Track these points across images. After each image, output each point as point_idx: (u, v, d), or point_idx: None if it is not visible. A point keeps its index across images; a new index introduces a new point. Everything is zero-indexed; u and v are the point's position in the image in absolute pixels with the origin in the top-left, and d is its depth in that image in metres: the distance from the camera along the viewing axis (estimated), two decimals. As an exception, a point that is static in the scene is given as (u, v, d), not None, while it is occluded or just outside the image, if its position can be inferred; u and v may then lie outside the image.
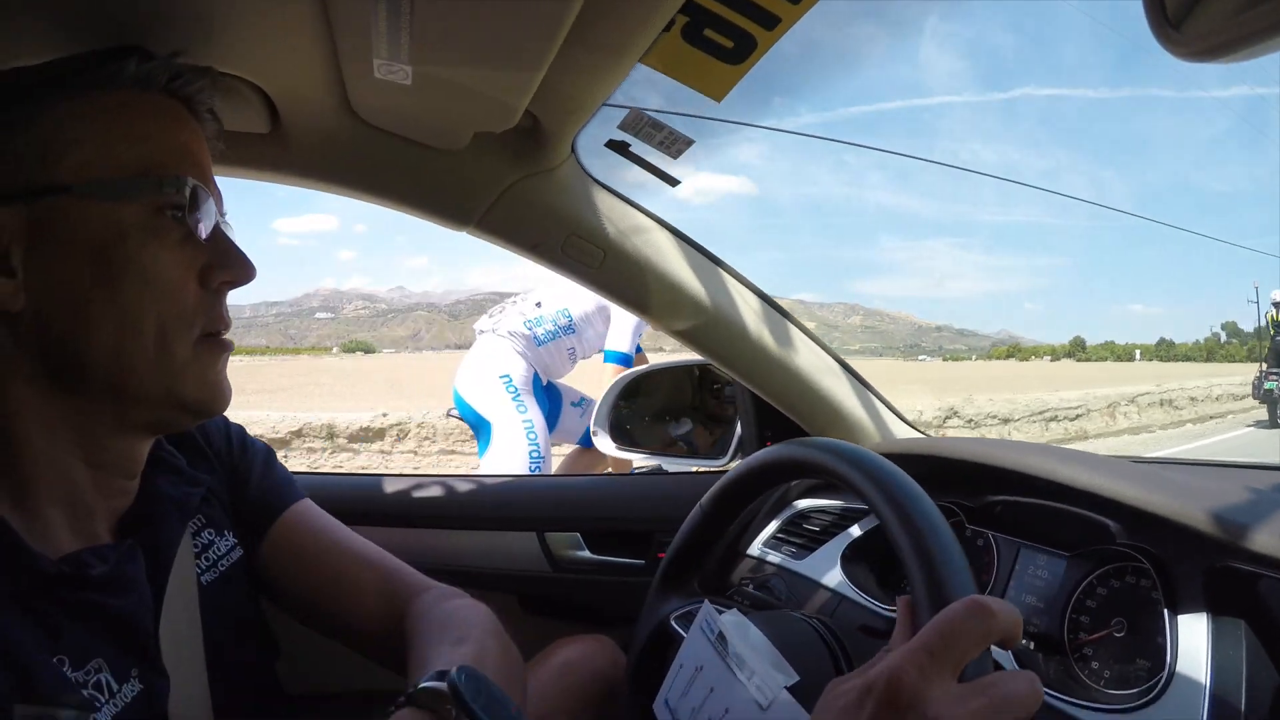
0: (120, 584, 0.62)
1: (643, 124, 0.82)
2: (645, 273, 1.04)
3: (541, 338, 2.71)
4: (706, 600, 0.81)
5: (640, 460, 1.61)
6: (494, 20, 0.63)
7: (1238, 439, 10.93)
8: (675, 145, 0.83)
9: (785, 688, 0.64)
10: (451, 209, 0.97)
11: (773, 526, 1.16)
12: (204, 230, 0.63)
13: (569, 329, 2.75)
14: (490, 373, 2.65)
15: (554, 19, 0.60)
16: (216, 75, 0.71)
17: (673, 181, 0.90)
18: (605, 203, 1.00)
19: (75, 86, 0.61)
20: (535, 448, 2.50)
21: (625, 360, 2.72)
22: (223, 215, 0.66)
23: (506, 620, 1.27)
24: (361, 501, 1.30)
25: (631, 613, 1.26)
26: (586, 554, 1.30)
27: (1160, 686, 0.65)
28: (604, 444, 1.45)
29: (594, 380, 2.89)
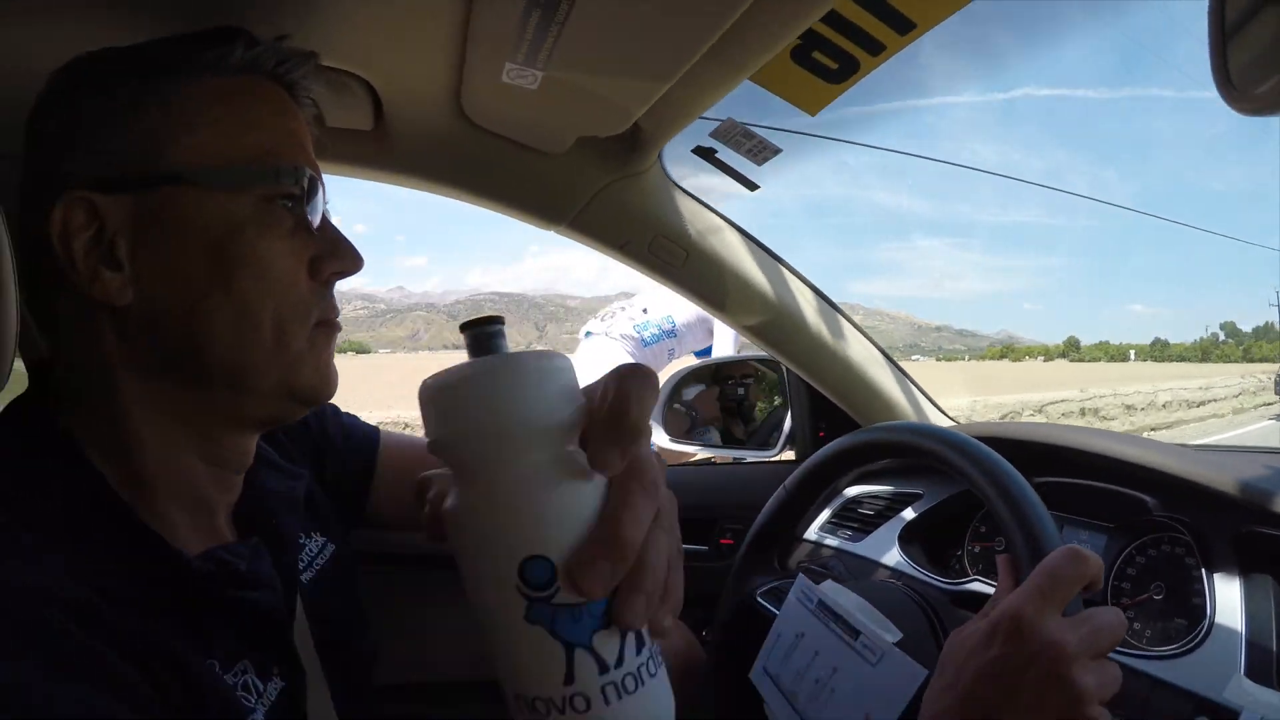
0: (259, 580, 0.59)
1: (735, 132, 0.90)
2: (722, 272, 1.10)
3: (648, 340, 2.95)
4: (801, 573, 0.88)
5: (693, 452, 1.68)
6: (642, 32, 0.66)
7: (1260, 430, 11.21)
8: (763, 153, 0.91)
9: (893, 644, 0.73)
10: (546, 209, 1.03)
11: (826, 513, 1.22)
12: (315, 219, 0.60)
13: (671, 333, 2.99)
14: (606, 367, 2.77)
15: (700, 35, 0.65)
16: (319, 61, 0.69)
17: (753, 186, 0.99)
18: (686, 205, 1.07)
19: (183, 70, 0.57)
20: None
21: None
22: (326, 204, 0.63)
23: None
24: None
25: (696, 595, 1.32)
26: None
27: (1202, 635, 0.72)
28: (660, 437, 1.51)
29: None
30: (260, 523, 0.66)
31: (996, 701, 0.52)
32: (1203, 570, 0.78)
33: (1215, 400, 14.61)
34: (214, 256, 0.55)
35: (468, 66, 0.76)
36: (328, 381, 0.62)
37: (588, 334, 3.03)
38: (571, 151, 0.96)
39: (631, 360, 2.94)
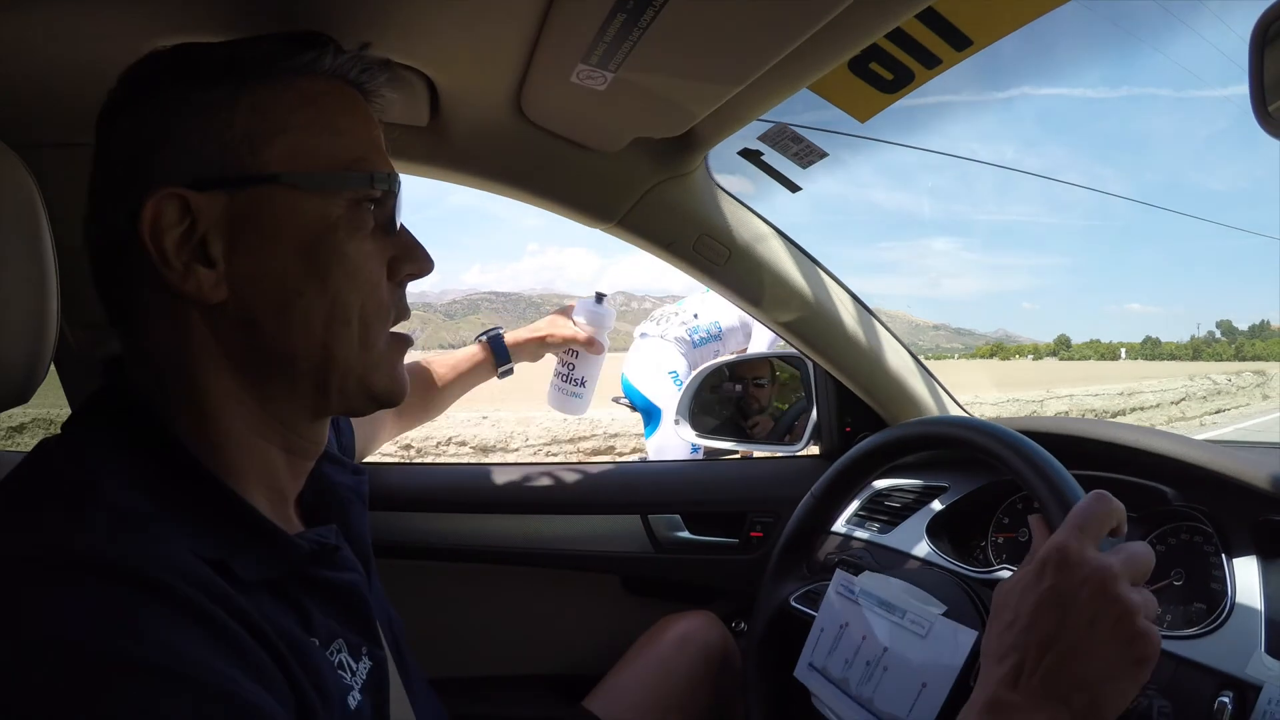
0: (347, 562, 0.63)
1: (784, 136, 0.94)
2: (762, 271, 1.14)
3: (697, 342, 3.31)
4: (838, 569, 0.92)
5: (721, 447, 1.72)
6: (718, 42, 0.68)
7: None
8: (809, 157, 0.96)
9: (939, 615, 0.77)
10: (597, 208, 1.05)
11: (854, 506, 1.26)
12: (396, 223, 0.63)
13: (717, 336, 3.35)
14: (661, 369, 3.26)
15: (774, 48, 0.68)
16: (398, 68, 0.73)
17: (795, 188, 1.03)
18: (728, 206, 1.10)
19: (275, 72, 0.58)
20: None
21: None
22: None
23: (610, 599, 1.37)
24: (472, 491, 1.37)
25: (727, 586, 1.35)
26: (686, 534, 1.36)
27: (1224, 616, 0.77)
28: (685, 432, 1.55)
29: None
30: (333, 513, 0.69)
31: (1057, 625, 0.57)
32: (1222, 556, 0.82)
33: (1142, 409, 14.12)
34: (308, 255, 0.57)
35: (535, 66, 0.78)
36: (402, 386, 0.64)
37: (643, 335, 3.37)
38: (623, 152, 0.98)
39: (684, 360, 3.17)
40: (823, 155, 0.95)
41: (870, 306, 1.25)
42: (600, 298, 1.30)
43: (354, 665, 0.59)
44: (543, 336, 1.29)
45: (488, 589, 1.38)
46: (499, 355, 1.28)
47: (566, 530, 1.36)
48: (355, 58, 0.62)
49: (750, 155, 1.01)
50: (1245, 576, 0.79)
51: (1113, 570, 0.57)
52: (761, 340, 3.23)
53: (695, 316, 3.37)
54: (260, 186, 0.56)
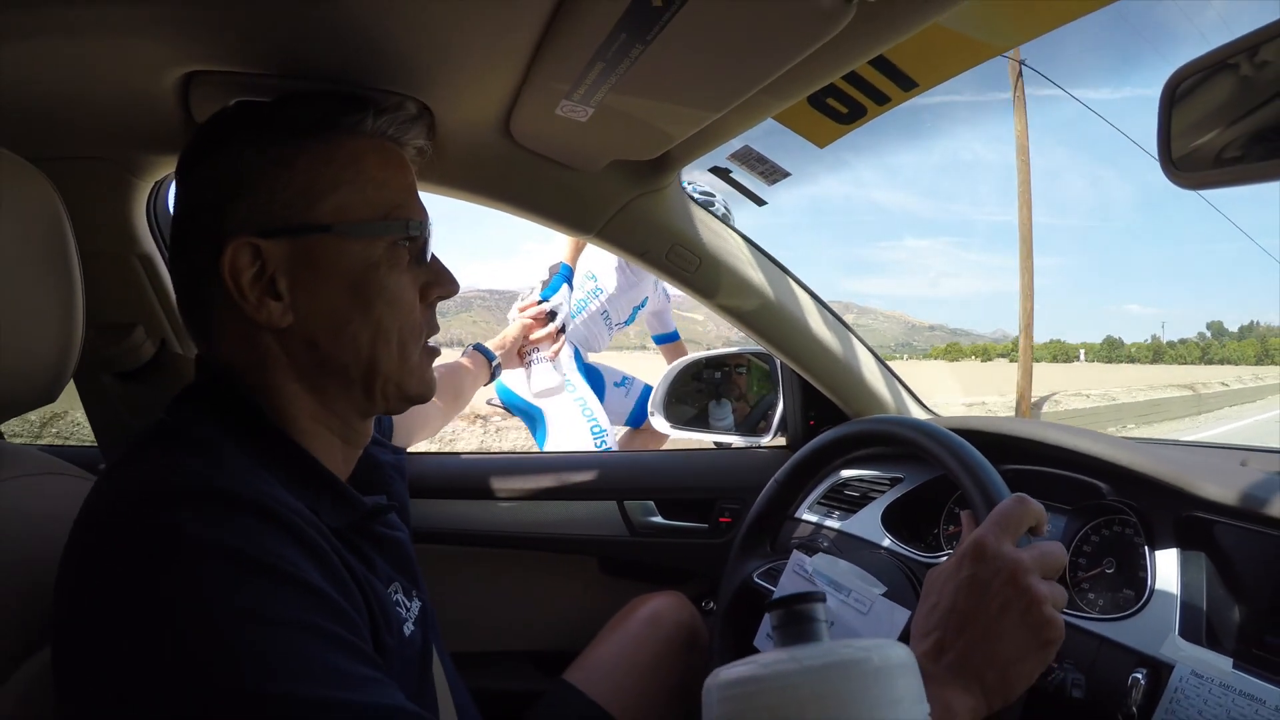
0: (397, 522, 0.78)
1: (751, 157, 1.00)
2: (730, 277, 1.21)
3: (574, 310, 2.65)
4: (795, 550, 1.00)
5: (693, 438, 1.78)
6: (689, 84, 0.74)
7: None
8: (773, 175, 1.02)
9: (879, 595, 0.85)
10: (578, 220, 1.11)
11: (817, 493, 1.33)
12: (428, 256, 0.74)
13: (597, 291, 2.75)
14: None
15: (738, 91, 0.74)
16: (426, 116, 0.81)
17: (761, 202, 1.09)
18: (700, 217, 1.17)
19: (325, 133, 0.69)
20: (595, 423, 2.48)
21: (676, 336, 2.95)
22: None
23: (587, 580, 1.45)
24: (458, 478, 1.44)
25: (696, 569, 1.44)
26: (659, 519, 1.45)
27: (1144, 601, 0.84)
28: (660, 424, 1.62)
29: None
30: (379, 485, 0.83)
31: (972, 610, 0.65)
32: (1146, 548, 0.89)
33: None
34: (356, 289, 0.68)
35: (523, 99, 0.84)
36: (430, 389, 0.76)
37: (513, 321, 2.84)
38: (604, 170, 1.05)
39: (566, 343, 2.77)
40: (786, 175, 1.01)
41: (865, 306, 1.31)
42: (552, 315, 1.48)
43: (408, 604, 0.74)
44: (501, 343, 1.51)
45: (473, 571, 1.45)
46: (489, 356, 1.45)
47: (547, 516, 1.44)
48: (393, 118, 0.73)
49: (720, 173, 1.07)
50: (1165, 567, 0.86)
51: (1023, 564, 0.66)
52: (664, 308, 2.91)
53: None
54: (316, 235, 0.67)
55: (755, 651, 0.98)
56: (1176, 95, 0.65)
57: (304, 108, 0.70)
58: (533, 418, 2.60)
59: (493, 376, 1.45)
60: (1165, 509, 0.90)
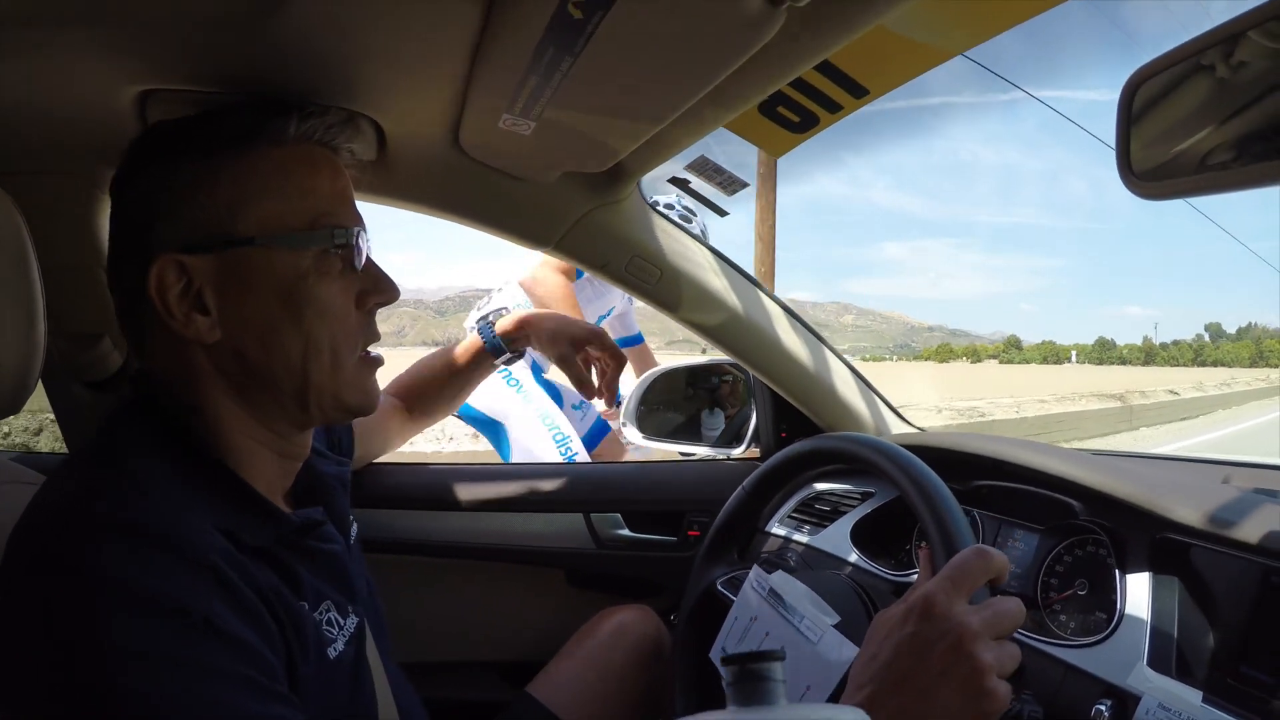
0: (331, 535, 0.75)
1: (708, 167, 0.98)
2: (694, 289, 1.19)
3: None
4: (756, 565, 0.98)
5: (664, 449, 1.76)
6: (628, 94, 0.73)
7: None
8: (732, 186, 1.00)
9: (831, 625, 0.82)
10: (533, 232, 1.10)
11: (788, 507, 1.31)
12: (360, 263, 0.72)
13: None
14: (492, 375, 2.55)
15: (681, 99, 0.72)
16: (359, 120, 0.82)
17: (722, 213, 1.07)
18: (661, 228, 1.15)
19: (247, 144, 0.68)
20: (558, 431, 2.41)
21: (640, 339, 2.91)
22: (368, 244, 0.74)
23: (554, 592, 1.43)
24: (423, 489, 1.42)
25: (665, 583, 1.42)
26: (626, 532, 1.43)
27: (1113, 627, 0.81)
28: (632, 434, 1.60)
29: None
30: (320, 496, 0.81)
31: (911, 670, 0.61)
32: (1118, 571, 0.86)
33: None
34: (284, 300, 0.68)
35: (467, 113, 0.84)
36: (370, 400, 0.76)
37: (471, 330, 2.76)
38: (558, 181, 1.03)
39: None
40: (745, 185, 0.99)
41: (864, 308, 1.29)
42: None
43: (341, 621, 0.72)
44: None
45: (440, 582, 1.43)
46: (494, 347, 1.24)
47: (513, 527, 1.42)
48: (319, 121, 0.72)
49: (679, 183, 1.05)
50: (1136, 591, 0.83)
51: (971, 628, 0.61)
52: (628, 309, 2.83)
53: (505, 311, 2.59)
54: (240, 248, 0.67)
55: (709, 663, 0.97)
56: (1136, 98, 0.61)
57: (224, 121, 0.70)
58: (495, 429, 2.52)
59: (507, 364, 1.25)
60: (1138, 530, 0.87)
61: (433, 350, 1.34)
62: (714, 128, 0.83)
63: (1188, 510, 0.82)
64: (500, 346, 1.23)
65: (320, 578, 0.71)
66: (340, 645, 0.70)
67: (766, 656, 0.44)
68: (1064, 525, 0.96)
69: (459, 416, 2.56)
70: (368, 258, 0.74)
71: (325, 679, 0.67)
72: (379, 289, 0.74)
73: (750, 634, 0.91)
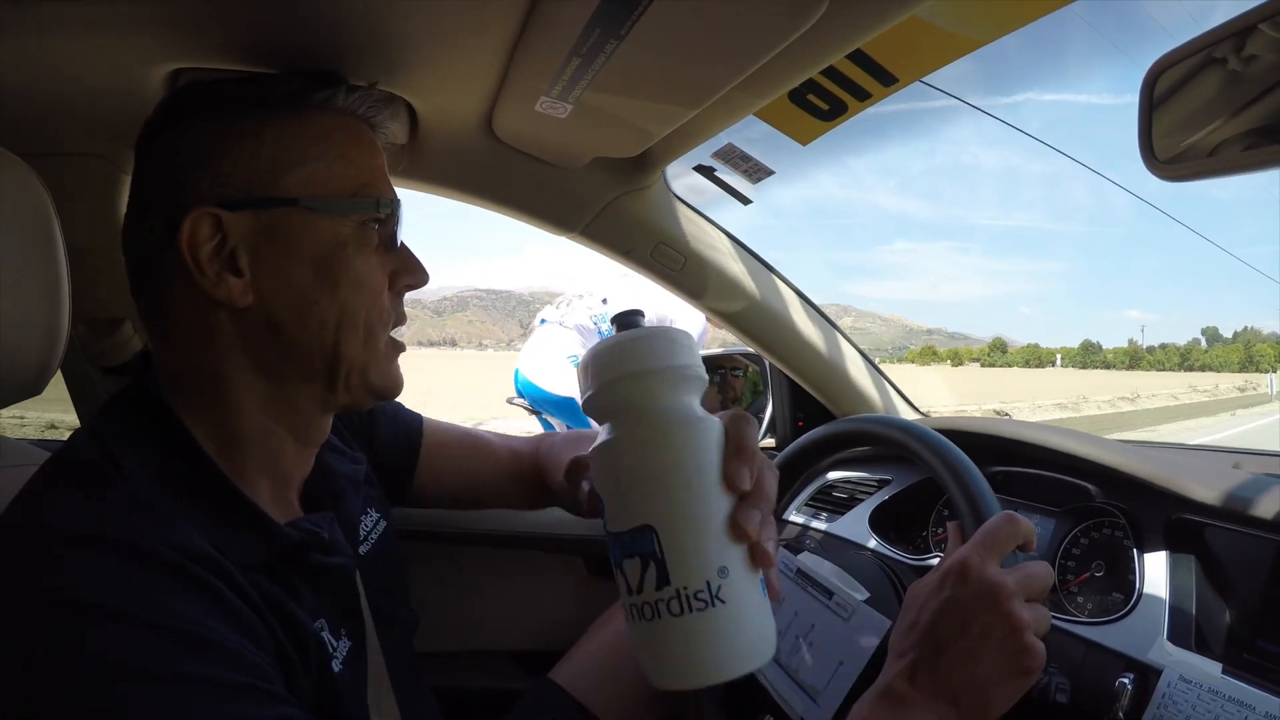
0: (336, 547, 0.70)
1: (735, 155, 0.99)
2: (717, 276, 1.20)
3: (606, 332, 2.77)
4: (782, 548, 0.99)
5: None
6: (665, 80, 0.74)
7: None
8: (757, 174, 1.01)
9: (861, 601, 0.84)
10: (561, 218, 1.11)
11: (804, 495, 1.31)
12: (398, 240, 0.71)
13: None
14: (559, 356, 2.78)
15: (715, 86, 0.74)
16: (398, 101, 0.81)
17: (746, 201, 1.08)
18: (685, 215, 1.16)
19: (295, 107, 0.67)
20: None
21: None
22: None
23: (574, 580, 1.43)
24: None
25: None
26: None
27: (1132, 605, 0.82)
28: None
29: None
30: (328, 499, 0.76)
31: (951, 633, 0.62)
32: (1135, 551, 0.87)
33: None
34: (321, 268, 0.65)
35: (503, 96, 0.84)
36: (396, 383, 0.72)
37: (542, 321, 2.93)
38: (587, 167, 1.04)
39: (584, 350, 2.84)
40: (770, 172, 1.01)
41: (864, 310, 1.29)
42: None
43: (334, 643, 0.67)
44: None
45: (457, 570, 1.43)
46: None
47: (531, 514, 1.38)
48: (364, 96, 0.71)
49: (705, 171, 1.06)
50: (1154, 569, 0.84)
51: (1007, 588, 0.62)
52: (695, 326, 2.79)
53: (604, 302, 2.95)
54: (281, 208, 0.64)
55: None
56: (1157, 86, 0.64)
57: (272, 83, 0.68)
58: (560, 409, 2.63)
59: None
60: (1154, 511, 0.88)
61: (427, 350, 1.34)
62: (745, 114, 0.85)
63: (1205, 490, 0.84)
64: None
65: (318, 593, 0.67)
66: (340, 663, 0.67)
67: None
68: (1081, 508, 0.97)
69: (530, 403, 2.68)
70: (400, 239, 0.72)
71: (330, 698, 0.64)
72: (411, 270, 0.72)
73: (777, 615, 0.92)
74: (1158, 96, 0.64)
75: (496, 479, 1.05)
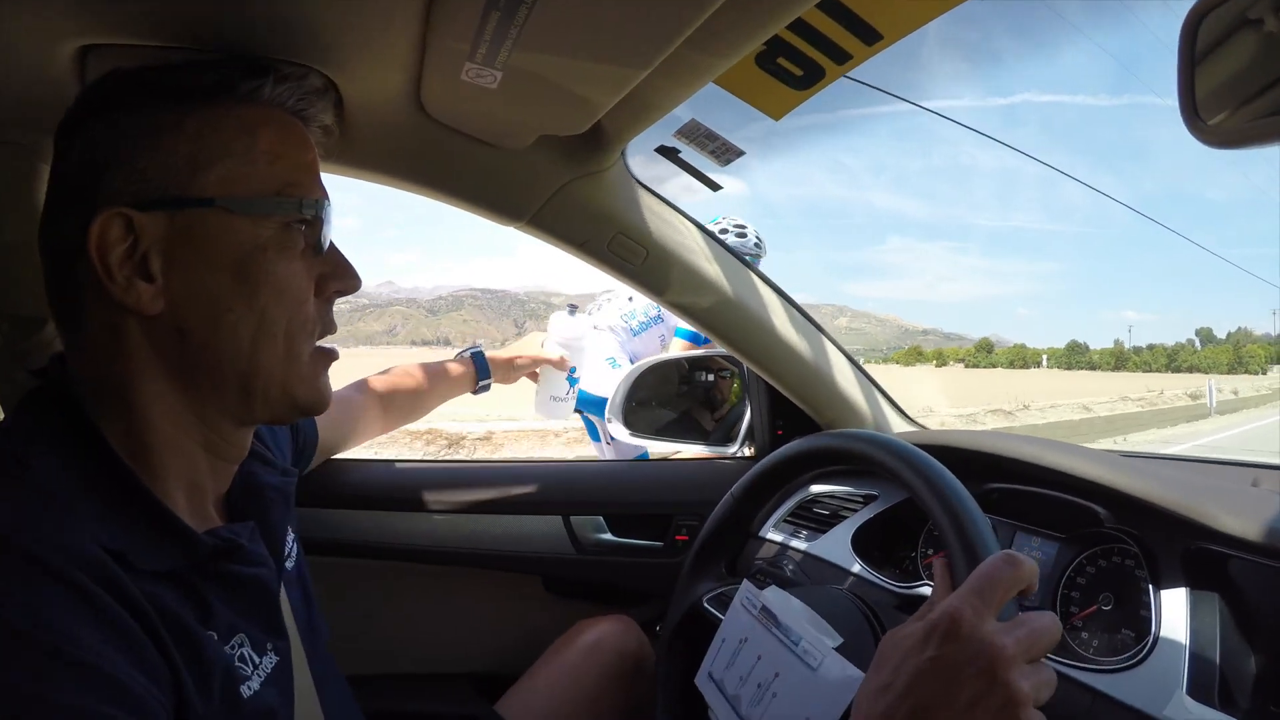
0: (257, 557, 0.67)
1: (699, 133, 0.88)
2: (683, 272, 1.10)
3: (637, 329, 3.06)
4: (746, 580, 0.89)
5: (653, 446, 1.68)
6: (601, 37, 0.66)
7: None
8: (726, 155, 0.90)
9: (832, 648, 0.73)
10: (505, 205, 1.01)
11: (783, 510, 1.22)
12: (325, 244, 0.67)
13: (658, 319, 3.08)
14: (598, 358, 2.90)
15: (660, 42, 0.64)
16: (335, 94, 0.76)
17: (715, 186, 0.98)
18: (648, 204, 1.06)
19: (218, 99, 0.63)
20: None
21: (695, 338, 2.98)
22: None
23: (532, 599, 1.37)
24: (391, 488, 1.34)
25: (649, 591, 1.36)
26: (609, 536, 1.35)
27: (1147, 650, 0.73)
28: (618, 430, 1.51)
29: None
30: (253, 510, 0.72)
31: (933, 702, 0.52)
32: (1151, 587, 0.78)
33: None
34: (238, 274, 0.62)
35: (427, 65, 0.76)
36: (324, 396, 0.69)
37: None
38: (533, 148, 0.95)
39: (622, 350, 2.90)
40: (740, 153, 0.90)
41: (860, 310, 1.22)
42: (573, 309, 1.36)
43: (256, 659, 0.63)
44: (511, 359, 1.39)
45: (410, 588, 1.37)
46: (480, 371, 1.36)
47: (488, 530, 1.35)
48: (294, 87, 0.68)
49: (668, 153, 0.96)
50: (1173, 608, 0.75)
51: (1005, 651, 0.52)
52: None
53: (630, 300, 3.12)
54: (197, 209, 0.61)
55: (694, 690, 0.88)
56: (1199, 36, 0.53)
57: (195, 72, 0.64)
58: (599, 407, 2.74)
59: (476, 391, 1.37)
60: (1171, 539, 0.79)
61: (421, 349, 1.30)
62: (704, 81, 0.74)
63: (1231, 519, 0.75)
64: (487, 373, 1.36)
65: (236, 607, 0.63)
66: (256, 685, 0.62)
67: None
68: (1087, 533, 0.88)
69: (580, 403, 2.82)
70: (331, 242, 0.69)
71: (242, 715, 0.59)
72: (340, 275, 0.69)
73: (740, 658, 0.81)
74: (1200, 48, 0.53)
75: (369, 414, 1.22)
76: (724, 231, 2.99)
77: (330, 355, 0.70)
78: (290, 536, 0.80)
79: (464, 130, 0.92)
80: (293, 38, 0.71)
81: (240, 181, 0.62)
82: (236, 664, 0.61)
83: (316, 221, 0.66)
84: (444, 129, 0.92)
